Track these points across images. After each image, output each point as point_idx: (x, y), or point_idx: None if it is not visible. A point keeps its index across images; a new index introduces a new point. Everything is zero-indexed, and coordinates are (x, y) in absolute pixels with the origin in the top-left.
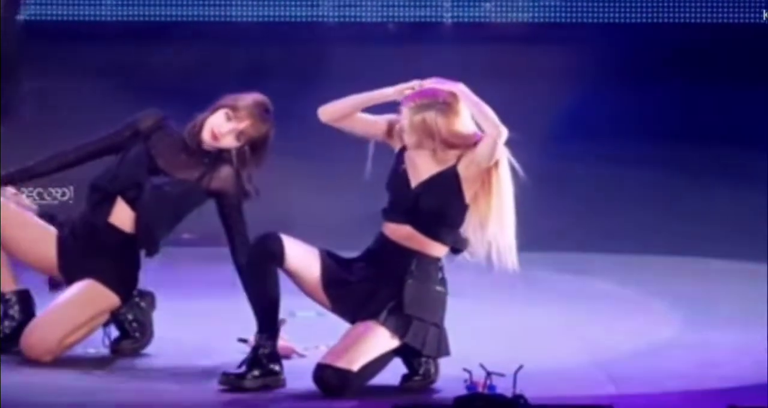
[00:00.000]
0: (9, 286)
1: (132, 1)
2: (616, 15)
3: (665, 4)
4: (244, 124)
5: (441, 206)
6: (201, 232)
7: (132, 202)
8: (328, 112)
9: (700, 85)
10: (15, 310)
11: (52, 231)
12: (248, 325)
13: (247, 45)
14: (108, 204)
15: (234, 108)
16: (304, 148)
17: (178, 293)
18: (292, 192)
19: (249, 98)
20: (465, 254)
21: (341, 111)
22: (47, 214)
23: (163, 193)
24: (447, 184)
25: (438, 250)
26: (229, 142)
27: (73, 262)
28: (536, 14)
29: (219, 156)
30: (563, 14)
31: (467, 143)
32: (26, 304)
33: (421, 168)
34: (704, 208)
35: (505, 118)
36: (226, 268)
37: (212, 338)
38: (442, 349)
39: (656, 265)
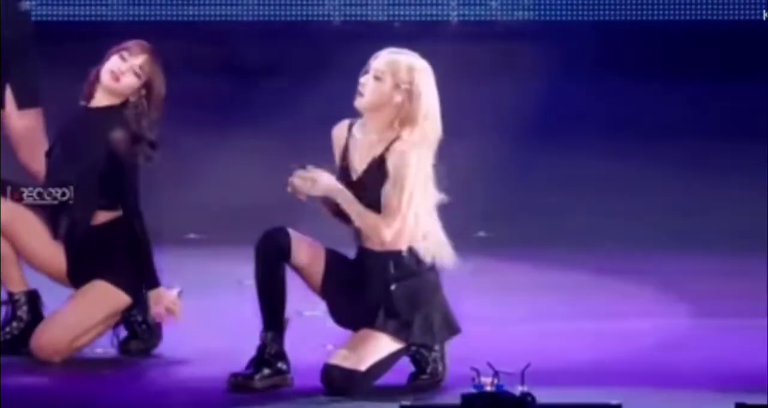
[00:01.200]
0: (18, 287)
1: (140, 1)
2: (621, 13)
3: (669, 1)
4: (140, 60)
5: (379, 195)
6: (207, 232)
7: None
8: None
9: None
10: (23, 311)
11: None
12: (254, 325)
13: (252, 44)
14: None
15: (126, 48)
16: (304, 147)
17: (184, 294)
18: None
19: (134, 40)
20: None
21: None
22: None
23: (79, 176)
24: (379, 172)
25: (400, 241)
26: (130, 80)
27: (77, 268)
28: (542, 13)
29: (113, 117)
30: (569, 12)
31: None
32: (35, 304)
33: (357, 160)
34: (707, 203)
35: (510, 115)
36: (232, 268)
37: (219, 339)
38: (453, 328)
39: (662, 261)
